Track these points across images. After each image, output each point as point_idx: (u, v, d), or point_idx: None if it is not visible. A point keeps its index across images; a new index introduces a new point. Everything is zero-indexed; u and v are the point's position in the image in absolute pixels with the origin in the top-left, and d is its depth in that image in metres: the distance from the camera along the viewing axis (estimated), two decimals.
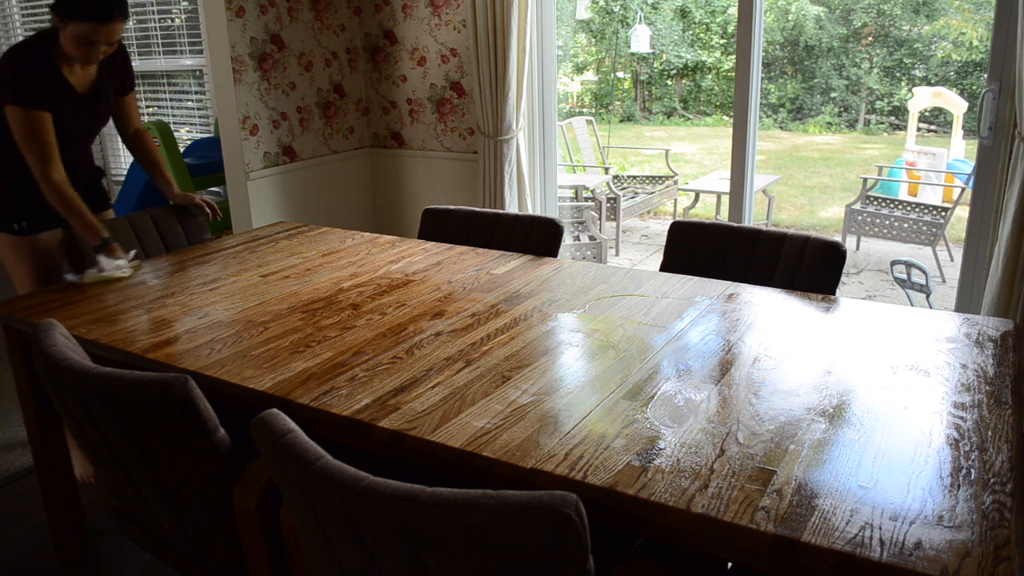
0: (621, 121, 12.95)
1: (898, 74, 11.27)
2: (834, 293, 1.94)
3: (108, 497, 1.62)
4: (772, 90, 11.94)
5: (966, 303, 2.89)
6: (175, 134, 4.30)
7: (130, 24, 4.66)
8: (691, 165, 9.96)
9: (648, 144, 11.28)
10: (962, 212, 4.15)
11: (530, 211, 3.72)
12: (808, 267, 2.01)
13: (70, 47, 2.18)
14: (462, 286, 2.02)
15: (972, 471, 1.11)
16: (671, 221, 2.31)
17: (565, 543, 0.87)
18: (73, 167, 2.35)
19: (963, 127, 7.20)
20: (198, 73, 4.64)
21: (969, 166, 6.23)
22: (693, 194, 7.02)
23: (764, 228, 2.17)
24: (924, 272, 4.29)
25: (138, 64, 4.75)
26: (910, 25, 11.11)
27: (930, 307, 4.31)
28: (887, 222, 5.45)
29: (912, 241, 5.38)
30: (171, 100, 4.75)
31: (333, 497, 0.96)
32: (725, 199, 5.99)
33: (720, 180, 6.65)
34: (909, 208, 5.59)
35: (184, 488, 1.36)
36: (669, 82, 13.02)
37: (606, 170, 7.03)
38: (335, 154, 3.96)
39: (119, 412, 1.28)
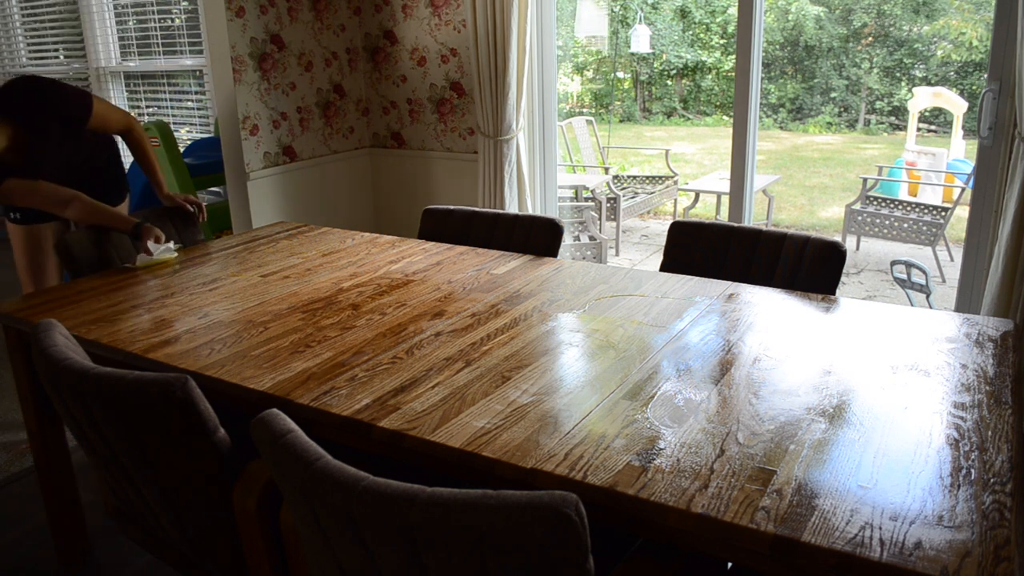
0: (621, 121, 12.95)
1: (898, 74, 11.27)
2: (834, 293, 1.94)
3: (108, 497, 1.63)
4: (772, 90, 11.94)
5: (966, 303, 2.89)
6: (175, 134, 4.30)
7: (130, 25, 4.65)
8: (691, 165, 9.96)
9: (648, 144, 11.28)
10: (962, 212, 4.15)
11: (530, 211, 3.72)
12: (808, 267, 2.01)
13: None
14: (462, 286, 2.02)
15: (972, 471, 1.11)
16: (671, 221, 2.31)
17: (565, 543, 0.87)
18: (78, 184, 2.41)
19: (963, 127, 7.19)
20: (198, 73, 4.64)
21: (969, 166, 6.23)
22: (693, 194, 7.02)
23: (764, 228, 2.17)
24: (924, 272, 4.29)
25: (138, 64, 4.75)
26: (910, 25, 11.11)
27: (930, 307, 4.31)
28: (887, 222, 5.45)
29: (912, 241, 5.38)
30: (171, 100, 4.75)
31: (333, 497, 0.96)
32: (725, 199, 5.99)
33: (720, 180, 6.65)
34: (909, 208, 5.59)
35: (184, 488, 1.36)
36: (669, 82, 13.02)
37: (606, 170, 7.03)
38: (335, 154, 3.97)
39: (119, 412, 1.28)
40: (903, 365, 1.47)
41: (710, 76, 12.70)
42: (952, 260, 5.71)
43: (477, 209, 2.56)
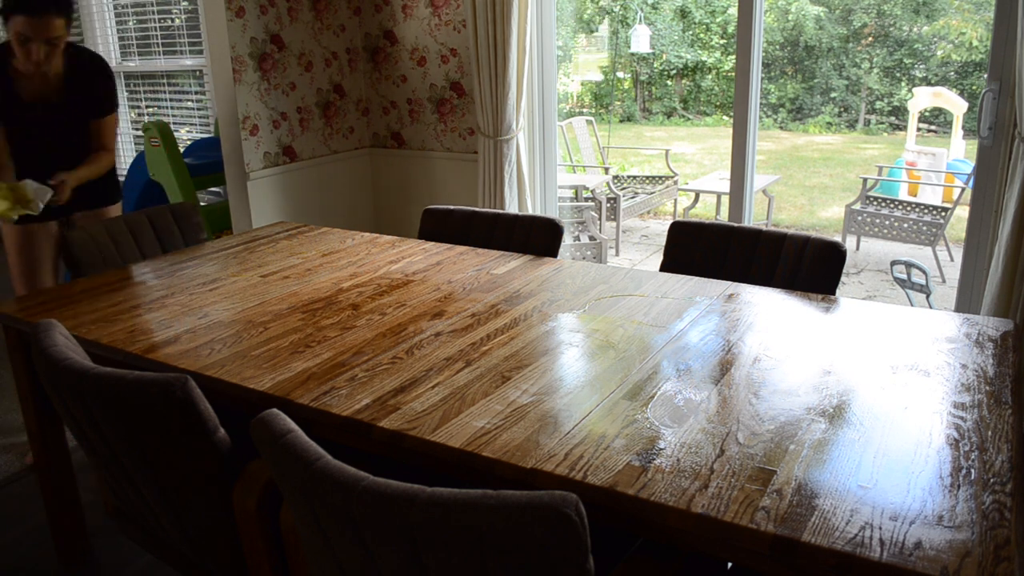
0: (621, 121, 12.95)
1: (898, 74, 11.27)
2: (834, 293, 1.94)
3: (108, 497, 1.63)
4: (772, 90, 11.94)
5: (966, 303, 2.89)
6: (175, 134, 4.30)
7: (130, 26, 4.65)
8: (691, 165, 9.96)
9: (648, 144, 11.28)
10: (962, 212, 4.15)
11: (530, 211, 3.72)
12: (808, 267, 2.01)
13: (14, 48, 2.21)
14: (462, 286, 2.02)
15: (972, 471, 1.11)
16: (671, 221, 2.31)
17: (565, 543, 0.87)
18: (47, 168, 2.41)
19: (963, 127, 7.19)
20: (198, 73, 4.64)
21: (969, 166, 6.23)
22: (693, 194, 7.03)
23: (764, 228, 2.17)
24: (924, 272, 4.29)
25: (138, 64, 4.75)
26: (910, 25, 11.11)
27: (930, 307, 4.31)
28: (887, 222, 5.45)
29: (912, 241, 5.38)
30: (171, 100, 4.75)
31: (333, 497, 0.96)
32: (725, 199, 5.99)
33: (720, 180, 6.65)
34: (909, 208, 5.59)
35: (184, 488, 1.36)
36: (669, 82, 13.02)
37: (606, 170, 7.03)
38: (335, 154, 3.97)
39: (119, 412, 1.28)
40: (903, 365, 1.47)
41: (710, 76, 12.70)
42: (952, 260, 5.71)
43: (477, 209, 2.56)
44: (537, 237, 2.39)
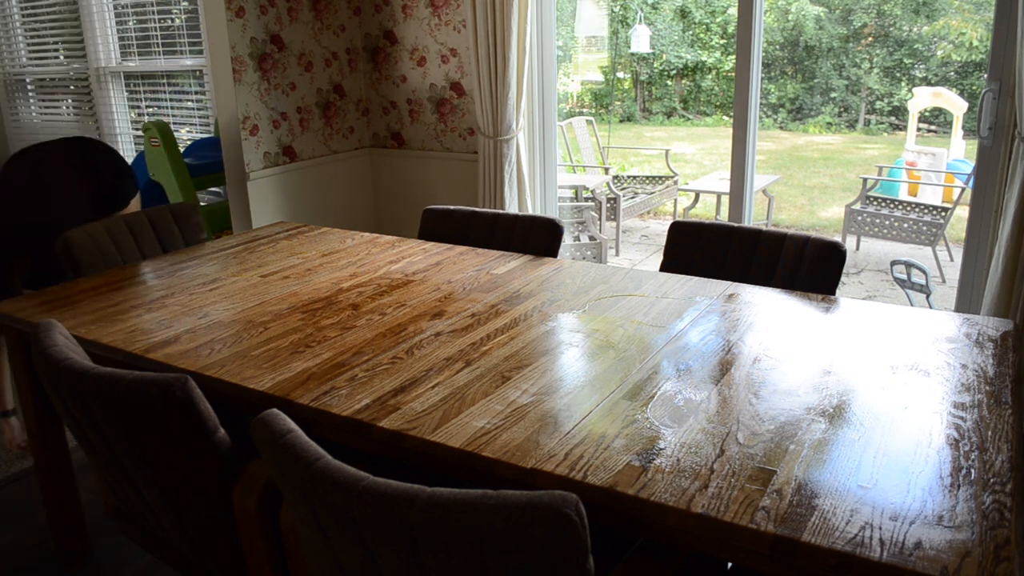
0: (621, 121, 12.95)
1: (898, 74, 11.26)
2: (834, 293, 1.94)
3: (108, 497, 1.62)
4: (772, 90, 11.94)
5: (966, 303, 2.89)
6: (175, 134, 4.30)
7: (130, 26, 4.65)
8: (691, 165, 9.96)
9: (648, 144, 11.28)
10: (962, 212, 4.15)
11: (530, 211, 3.72)
12: (808, 267, 2.01)
13: None
14: (462, 286, 2.02)
15: (972, 471, 1.11)
16: (671, 221, 2.31)
17: (565, 543, 0.87)
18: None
19: (963, 127, 7.19)
20: (198, 73, 4.64)
21: (969, 166, 6.23)
22: (693, 194, 7.02)
23: (764, 228, 2.17)
24: (924, 272, 4.29)
25: (138, 64, 4.75)
26: (910, 25, 11.11)
27: (930, 307, 4.31)
28: (887, 222, 5.45)
29: (912, 241, 5.38)
30: (171, 100, 4.75)
31: (333, 497, 0.96)
32: (725, 199, 5.99)
33: (720, 180, 6.65)
34: (909, 208, 5.59)
35: (184, 488, 1.36)
36: (669, 82, 13.02)
37: (606, 170, 7.03)
38: (335, 154, 3.97)
39: (119, 412, 1.28)
40: (903, 365, 1.47)
41: (710, 76, 12.70)
42: (952, 260, 5.71)
43: (477, 209, 2.56)
44: (537, 237, 2.39)
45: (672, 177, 7.14)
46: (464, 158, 3.87)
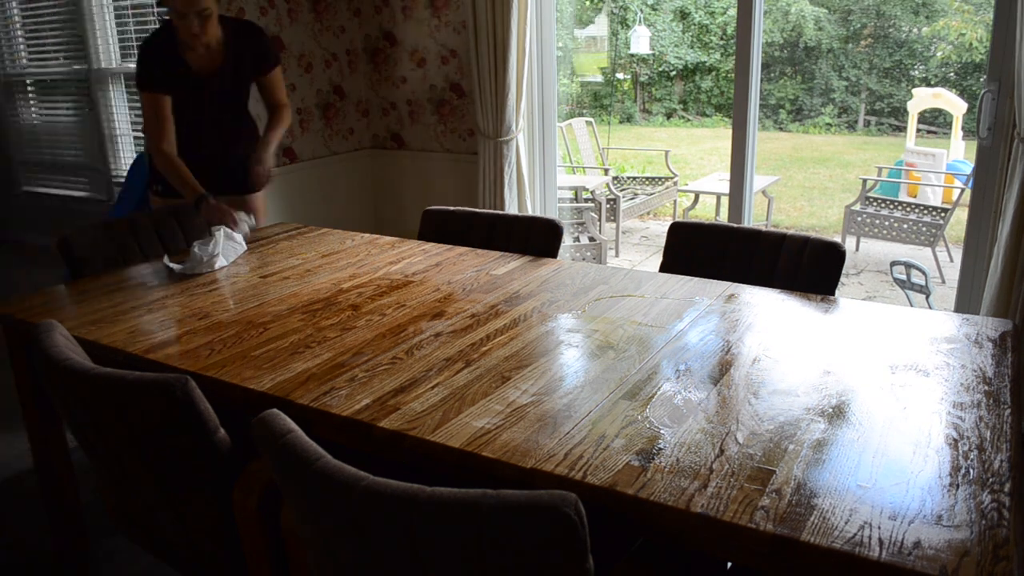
0: (621, 122, 12.96)
1: (898, 75, 11.27)
2: (833, 294, 1.94)
3: (108, 497, 1.63)
4: (772, 91, 11.94)
5: (965, 303, 2.89)
6: None
7: (130, 27, 4.66)
8: (691, 166, 9.97)
9: (648, 145, 11.29)
10: (962, 213, 4.15)
11: (530, 212, 3.73)
12: (807, 268, 2.01)
13: (178, 28, 2.43)
14: (462, 287, 2.02)
15: (971, 471, 1.11)
16: (671, 222, 2.31)
17: (565, 543, 0.87)
18: (203, 140, 2.66)
19: (963, 128, 7.20)
20: None
21: (969, 167, 6.23)
22: (693, 195, 7.03)
23: (763, 229, 2.17)
24: (924, 273, 4.29)
25: None
26: (909, 26, 11.12)
27: (930, 308, 4.31)
28: (887, 223, 5.46)
29: (912, 242, 5.38)
30: None
31: (333, 497, 0.96)
32: (724, 200, 5.99)
33: (719, 181, 6.66)
34: (909, 209, 5.59)
35: (184, 488, 1.36)
36: (669, 83, 13.03)
37: (606, 171, 7.04)
38: (335, 155, 3.97)
39: (119, 412, 1.28)
40: (902, 365, 1.47)
41: (710, 77, 12.71)
42: (952, 261, 5.71)
43: (477, 210, 2.56)
44: (537, 238, 2.39)
45: (672, 178, 7.15)
46: (464, 159, 3.87)
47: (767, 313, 1.76)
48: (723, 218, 5.53)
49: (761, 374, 1.45)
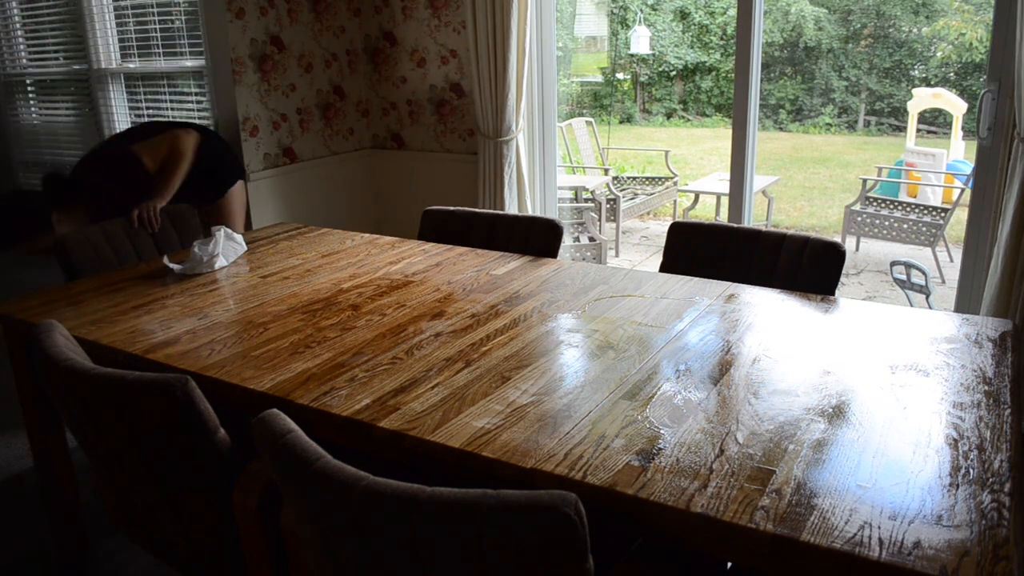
0: (621, 122, 12.95)
1: (898, 75, 11.27)
2: (833, 294, 1.94)
3: (108, 498, 1.63)
4: (772, 91, 11.94)
5: (965, 304, 2.89)
6: None
7: (130, 27, 4.66)
8: (691, 166, 9.96)
9: (648, 145, 11.28)
10: (962, 213, 4.15)
11: (530, 212, 3.73)
12: (807, 268, 2.01)
13: None
14: (462, 287, 2.02)
15: (971, 471, 1.11)
16: (671, 222, 2.31)
17: (565, 543, 0.87)
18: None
19: (963, 128, 7.20)
20: (198, 74, 4.64)
21: (969, 167, 6.23)
22: (693, 195, 7.03)
23: (763, 229, 2.17)
24: (924, 273, 4.29)
25: (138, 65, 4.75)
26: (909, 26, 11.12)
27: (930, 308, 4.31)
28: (887, 223, 5.46)
29: (912, 242, 5.38)
30: (171, 101, 4.75)
31: (333, 497, 0.96)
32: (724, 200, 5.99)
33: (719, 181, 6.66)
34: (909, 209, 5.59)
35: (184, 488, 1.36)
36: (669, 83, 13.03)
37: (606, 171, 7.04)
38: (335, 155, 3.97)
39: (119, 412, 1.28)
40: (902, 365, 1.47)
41: (710, 77, 12.71)
42: (952, 261, 5.71)
43: (477, 210, 2.56)
44: (537, 238, 2.39)
45: (672, 178, 7.15)
46: (464, 159, 3.87)
47: (767, 313, 1.76)
48: (723, 218, 5.53)
49: (761, 374, 1.45)
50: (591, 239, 5.40)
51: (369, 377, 1.48)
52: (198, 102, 4.61)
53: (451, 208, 2.60)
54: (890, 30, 11.20)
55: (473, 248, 2.40)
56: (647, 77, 13.13)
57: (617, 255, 6.08)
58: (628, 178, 7.44)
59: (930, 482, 1.09)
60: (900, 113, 11.09)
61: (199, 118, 4.72)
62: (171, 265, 2.21)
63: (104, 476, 1.53)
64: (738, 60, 3.09)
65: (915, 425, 1.25)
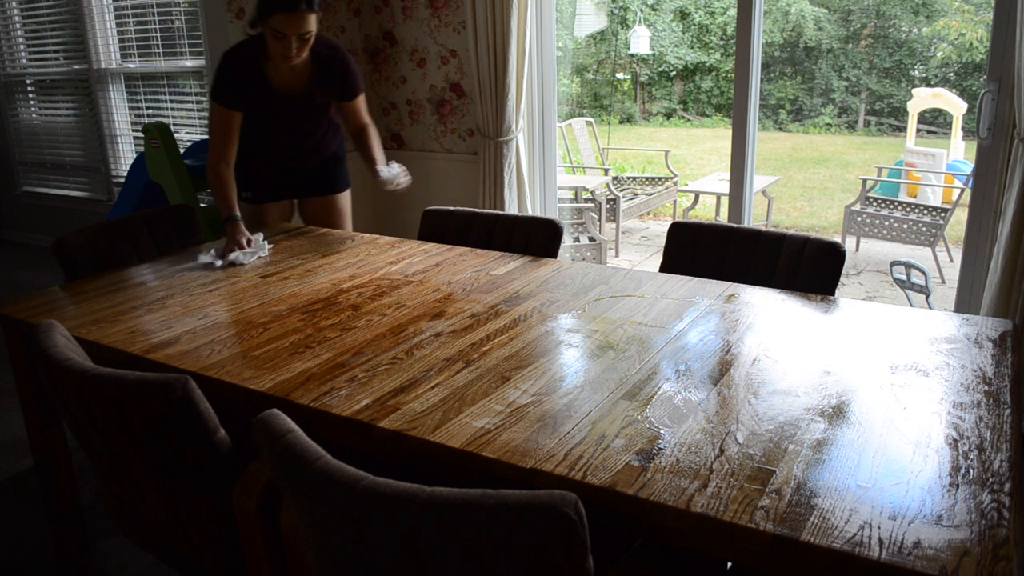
0: (621, 122, 12.96)
1: (898, 75, 11.28)
2: (833, 294, 1.94)
3: (109, 498, 1.63)
4: (772, 91, 11.95)
5: (965, 304, 2.89)
6: (175, 135, 4.30)
7: (130, 27, 4.66)
8: (691, 166, 9.97)
9: (648, 145, 11.29)
10: (962, 213, 4.16)
11: (530, 212, 3.73)
12: (807, 268, 2.01)
13: (270, 45, 2.42)
14: (462, 287, 2.02)
15: (971, 471, 1.11)
16: (671, 222, 2.31)
17: (565, 543, 0.87)
18: (281, 148, 2.72)
19: (963, 128, 7.20)
20: (199, 74, 4.64)
21: (969, 167, 6.23)
22: (693, 195, 7.03)
23: (763, 229, 2.17)
24: (924, 273, 4.29)
25: (138, 65, 4.75)
26: (909, 26, 11.12)
27: (929, 308, 4.31)
28: (887, 223, 5.46)
29: (912, 242, 5.38)
30: (171, 101, 4.75)
31: (333, 497, 0.96)
32: (724, 200, 5.99)
33: (719, 181, 6.66)
34: (909, 209, 5.59)
35: (184, 488, 1.36)
36: (669, 83, 13.03)
37: (606, 171, 7.04)
38: None
39: (119, 412, 1.28)
40: (902, 365, 1.47)
41: (710, 77, 12.71)
42: (952, 261, 5.71)
43: (477, 210, 2.56)
44: (537, 238, 2.39)
45: (672, 178, 7.15)
46: (464, 159, 3.88)
47: (767, 313, 1.76)
48: (723, 218, 5.53)
49: (761, 374, 1.45)
50: (591, 239, 5.40)
51: (369, 377, 1.48)
52: (198, 102, 4.61)
53: (451, 208, 2.60)
54: (890, 30, 11.21)
55: (473, 248, 2.40)
56: (647, 77, 13.14)
57: (617, 255, 6.08)
58: (628, 178, 7.44)
59: (930, 482, 1.09)
60: (900, 113, 11.09)
61: (199, 118, 4.72)
62: (208, 260, 2.30)
63: (104, 476, 1.53)
64: (738, 60, 3.09)
65: (915, 425, 1.25)
